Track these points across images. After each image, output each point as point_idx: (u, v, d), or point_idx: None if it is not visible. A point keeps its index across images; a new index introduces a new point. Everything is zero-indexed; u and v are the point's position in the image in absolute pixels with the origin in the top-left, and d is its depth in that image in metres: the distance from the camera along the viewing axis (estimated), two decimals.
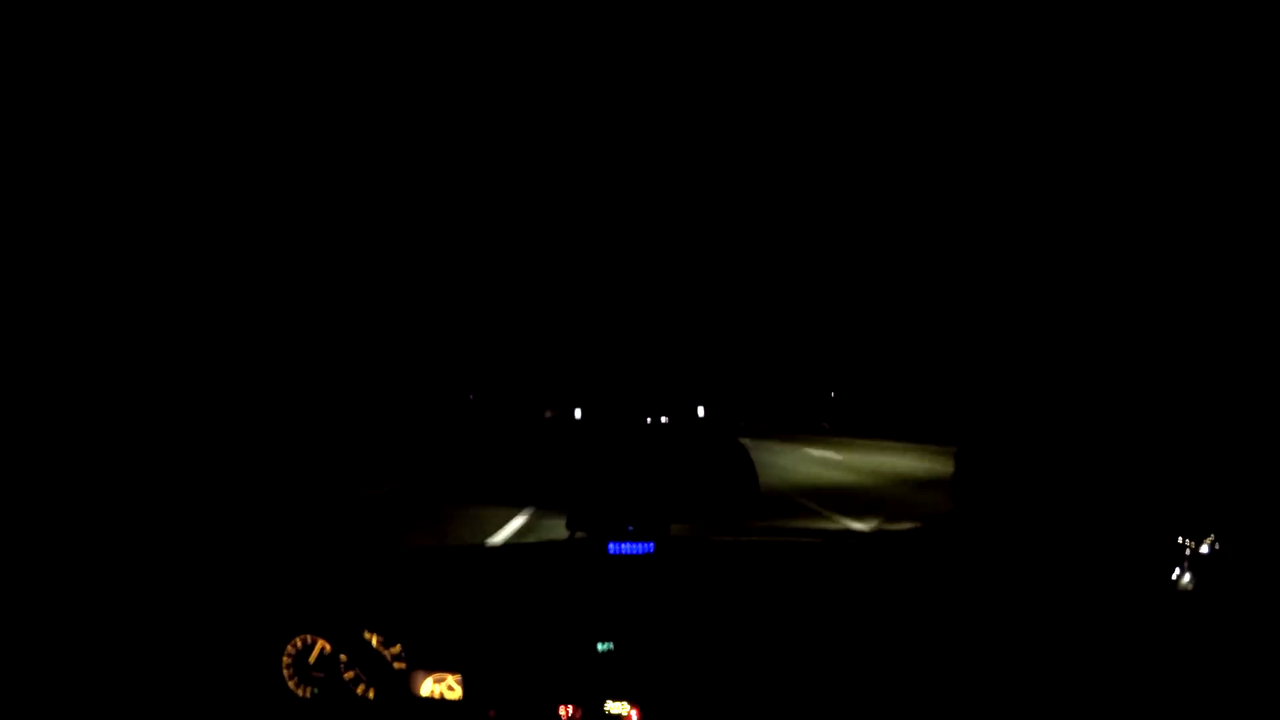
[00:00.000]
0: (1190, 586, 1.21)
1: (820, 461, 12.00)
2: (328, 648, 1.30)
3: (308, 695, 1.30)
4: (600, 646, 1.25)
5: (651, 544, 1.43)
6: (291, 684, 1.31)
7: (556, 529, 1.62)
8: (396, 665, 1.28)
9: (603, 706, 1.21)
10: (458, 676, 1.26)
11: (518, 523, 5.75)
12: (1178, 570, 1.22)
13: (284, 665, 1.31)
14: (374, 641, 1.30)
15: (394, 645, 1.29)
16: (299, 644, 1.32)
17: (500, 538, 5.29)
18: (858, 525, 5.29)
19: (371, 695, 1.28)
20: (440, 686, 1.26)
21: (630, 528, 1.44)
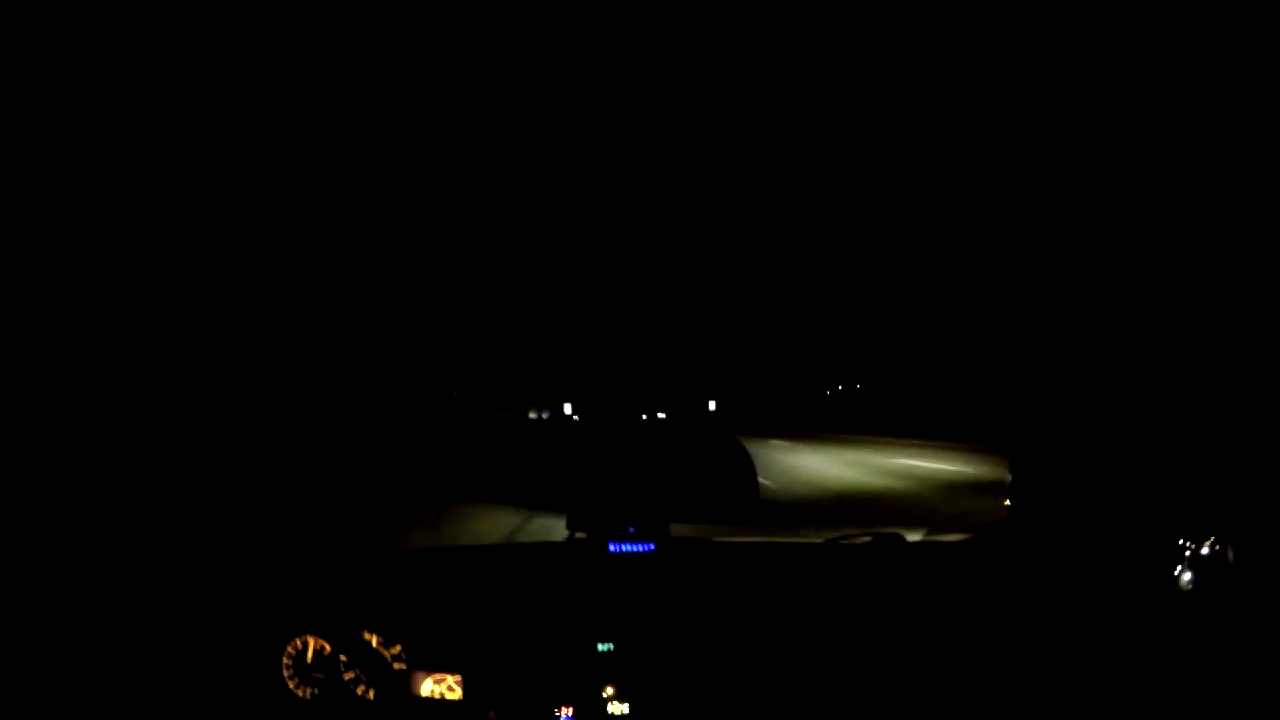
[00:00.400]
0: (1189, 587, 1.21)
1: (854, 462, 11.72)
2: (328, 648, 1.30)
3: (308, 695, 1.30)
4: (600, 647, 1.25)
5: (652, 544, 1.43)
6: (291, 684, 1.31)
7: (551, 529, 1.61)
8: (396, 665, 1.28)
9: (603, 707, 1.21)
10: (458, 676, 1.26)
11: (511, 522, 5.72)
12: (1178, 570, 1.22)
13: (284, 665, 1.31)
14: (374, 641, 1.30)
15: (394, 645, 1.29)
16: (299, 644, 1.32)
17: (493, 538, 5.28)
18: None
19: (371, 695, 1.28)
20: (440, 687, 1.26)
21: (630, 528, 1.44)
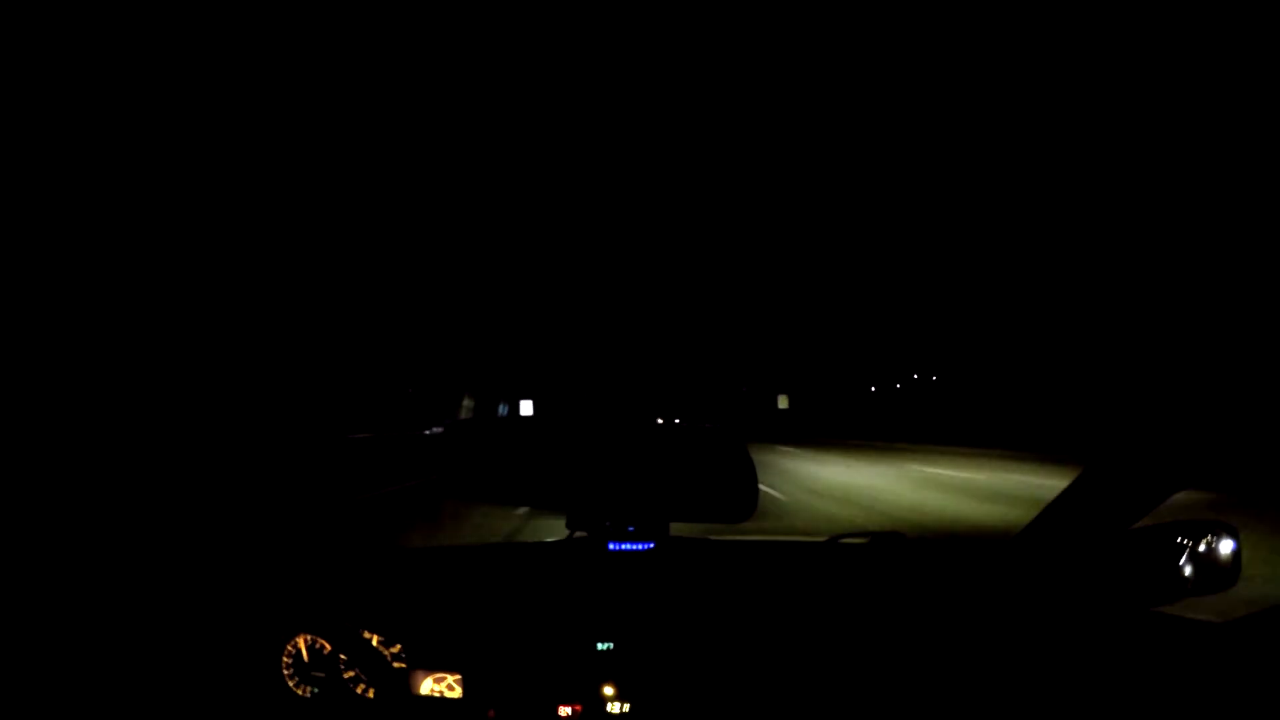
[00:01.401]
0: (1189, 585, 1.21)
1: (935, 482, 10.18)
2: (328, 647, 1.31)
3: (308, 695, 1.30)
4: (600, 646, 1.25)
5: (651, 543, 1.43)
6: (291, 684, 1.31)
7: (551, 529, 1.61)
8: (396, 665, 1.28)
9: (603, 706, 1.22)
10: (458, 676, 1.26)
11: (511, 523, 5.73)
12: (1180, 563, 1.22)
13: (284, 665, 1.31)
14: (374, 641, 1.30)
15: (394, 645, 1.29)
16: (299, 644, 1.32)
17: (493, 538, 5.29)
18: None
19: (371, 695, 1.28)
20: (440, 686, 1.26)
21: (630, 527, 1.44)
